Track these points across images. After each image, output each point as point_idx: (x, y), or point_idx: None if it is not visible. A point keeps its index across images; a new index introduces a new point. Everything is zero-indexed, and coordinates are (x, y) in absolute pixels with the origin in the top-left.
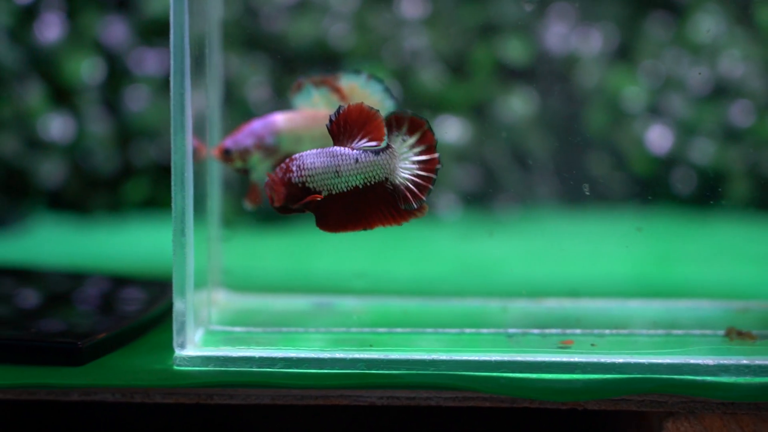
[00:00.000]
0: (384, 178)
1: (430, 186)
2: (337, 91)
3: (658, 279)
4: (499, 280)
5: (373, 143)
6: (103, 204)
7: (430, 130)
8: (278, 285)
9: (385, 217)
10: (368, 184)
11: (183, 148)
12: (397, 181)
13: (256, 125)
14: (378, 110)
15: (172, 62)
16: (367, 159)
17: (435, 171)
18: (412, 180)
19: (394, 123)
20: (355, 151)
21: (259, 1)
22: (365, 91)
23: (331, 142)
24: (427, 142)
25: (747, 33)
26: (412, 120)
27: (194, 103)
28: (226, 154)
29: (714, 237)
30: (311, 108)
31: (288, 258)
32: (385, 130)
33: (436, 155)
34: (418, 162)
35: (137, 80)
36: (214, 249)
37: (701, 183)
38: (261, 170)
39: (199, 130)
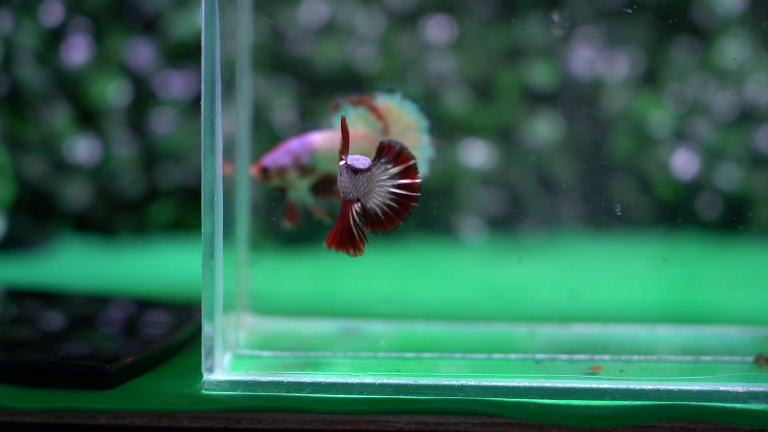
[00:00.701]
0: (356, 198)
1: (399, 220)
2: (374, 110)
3: (685, 305)
4: (526, 305)
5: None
6: (129, 227)
7: (415, 168)
8: (305, 309)
9: (342, 235)
10: (345, 198)
11: (213, 172)
12: (368, 205)
13: (294, 144)
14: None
15: (203, 86)
16: (347, 174)
17: (408, 208)
18: (383, 208)
19: (385, 150)
20: (342, 162)
21: (286, 25)
22: (401, 111)
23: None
24: (410, 177)
25: None
26: (399, 153)
27: (224, 126)
28: (264, 172)
29: (741, 263)
30: (352, 125)
31: (315, 282)
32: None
33: (414, 194)
34: (396, 194)
35: (163, 103)
36: (242, 273)
37: (727, 208)
38: (299, 189)
39: (228, 154)
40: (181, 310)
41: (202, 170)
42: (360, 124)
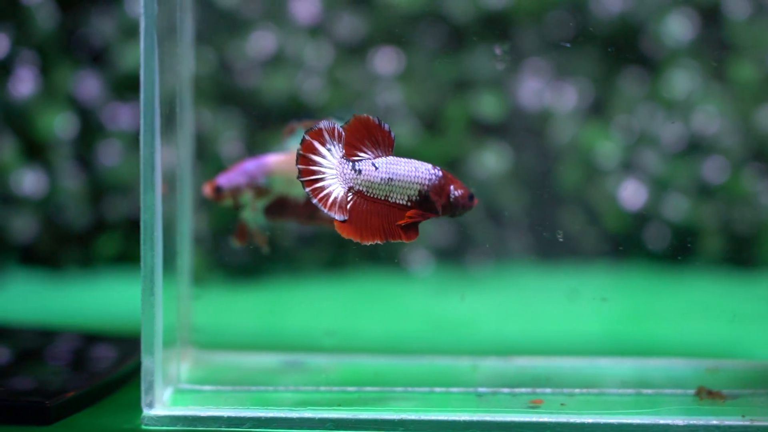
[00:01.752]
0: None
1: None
2: None
3: (630, 336)
4: (470, 338)
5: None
6: (76, 259)
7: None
8: (249, 342)
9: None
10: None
11: (153, 207)
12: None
13: (250, 165)
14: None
15: (142, 120)
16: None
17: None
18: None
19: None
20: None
21: (233, 57)
22: None
23: None
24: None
25: (721, 88)
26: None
27: (165, 159)
28: (218, 191)
29: (687, 294)
30: None
31: (259, 315)
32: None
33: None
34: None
35: (110, 135)
36: (184, 307)
37: (674, 239)
38: (253, 210)
39: (169, 188)
40: (127, 343)
41: (142, 205)
42: None
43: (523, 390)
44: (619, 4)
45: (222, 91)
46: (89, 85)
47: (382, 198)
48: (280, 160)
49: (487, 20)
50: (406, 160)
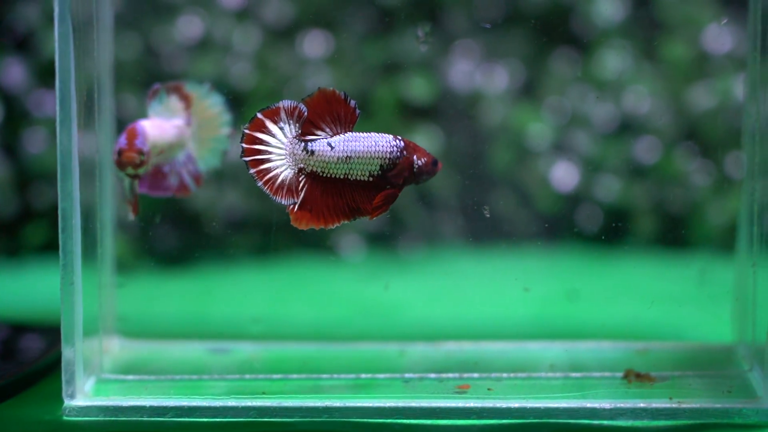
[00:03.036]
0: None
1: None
2: (185, 98)
3: (560, 320)
4: (399, 323)
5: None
6: (2, 248)
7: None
8: (175, 331)
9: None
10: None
11: (71, 195)
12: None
13: (140, 132)
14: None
15: (58, 108)
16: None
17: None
18: None
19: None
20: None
21: (160, 41)
22: (205, 102)
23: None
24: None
25: (652, 68)
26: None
27: (84, 146)
28: (142, 156)
29: (618, 275)
30: (166, 113)
31: (186, 303)
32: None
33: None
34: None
35: (36, 122)
36: (107, 295)
37: (607, 220)
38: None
39: (89, 175)
40: (54, 333)
41: (59, 193)
42: (165, 112)
43: (450, 375)
44: None
45: (148, 76)
46: (14, 72)
47: (341, 177)
48: (152, 124)
49: (416, 2)
50: (365, 135)
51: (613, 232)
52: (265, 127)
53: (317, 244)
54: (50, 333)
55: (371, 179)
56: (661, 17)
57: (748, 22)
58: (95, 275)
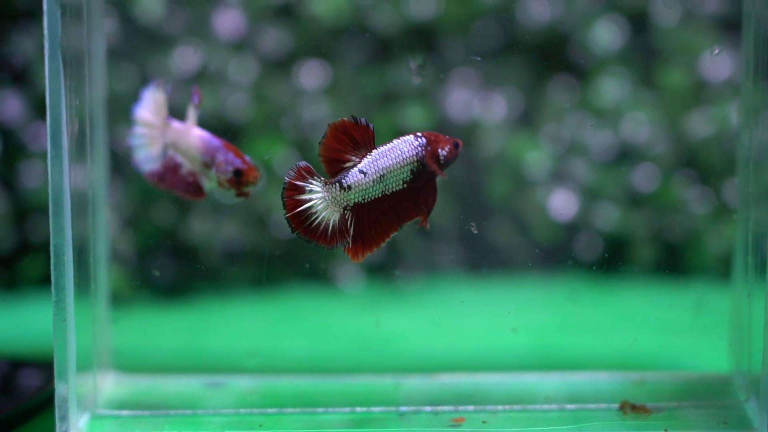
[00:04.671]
0: None
1: None
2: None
3: (558, 350)
4: (395, 355)
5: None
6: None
7: None
8: (171, 365)
9: None
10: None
11: (63, 231)
12: None
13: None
14: None
15: (49, 144)
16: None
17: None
18: None
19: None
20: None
21: (156, 73)
22: None
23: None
24: None
25: (650, 95)
26: None
27: (76, 182)
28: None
29: (616, 304)
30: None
31: (182, 336)
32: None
33: None
34: None
35: (33, 156)
36: (101, 330)
37: (606, 249)
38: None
39: (82, 209)
40: (51, 368)
41: (51, 229)
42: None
43: (445, 408)
44: (547, 12)
45: None
46: (11, 105)
47: (380, 195)
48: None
49: (413, 32)
50: (388, 146)
51: (611, 260)
52: (297, 186)
53: (314, 275)
54: (47, 368)
55: (405, 185)
56: (658, 45)
57: (742, 49)
58: (89, 310)
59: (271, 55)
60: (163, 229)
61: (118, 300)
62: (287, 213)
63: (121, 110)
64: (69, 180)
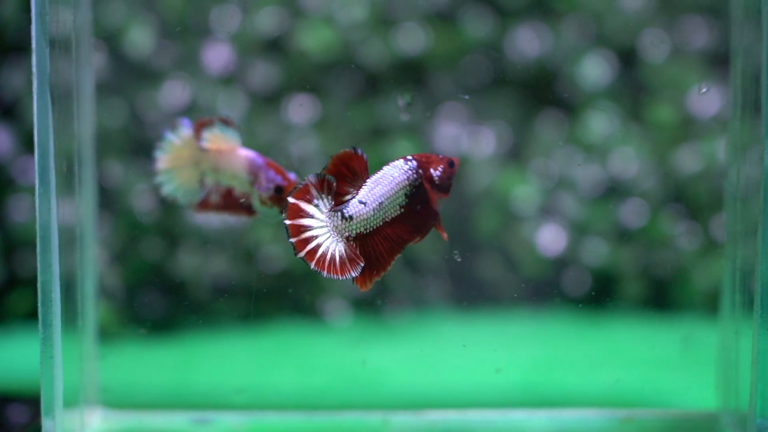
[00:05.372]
0: None
1: None
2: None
3: (545, 386)
4: (383, 391)
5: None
6: None
7: None
8: (158, 401)
9: None
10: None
11: (50, 268)
12: None
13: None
14: None
15: (37, 181)
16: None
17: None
18: None
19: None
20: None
21: (145, 108)
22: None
23: None
24: None
25: (639, 130)
26: None
27: (64, 217)
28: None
29: (605, 340)
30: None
31: (170, 372)
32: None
33: None
34: None
35: (21, 190)
36: (89, 366)
37: (594, 284)
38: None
39: (70, 245)
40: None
41: (38, 266)
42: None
43: None
44: (536, 47)
45: (133, 142)
46: (0, 140)
47: (381, 223)
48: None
49: (402, 66)
50: (380, 174)
51: (599, 296)
52: (302, 210)
53: (302, 310)
54: (34, 403)
55: (402, 210)
56: (646, 80)
57: (730, 85)
58: (76, 346)
59: (259, 89)
60: (151, 263)
61: (105, 335)
62: (290, 237)
63: (110, 145)
64: (57, 217)
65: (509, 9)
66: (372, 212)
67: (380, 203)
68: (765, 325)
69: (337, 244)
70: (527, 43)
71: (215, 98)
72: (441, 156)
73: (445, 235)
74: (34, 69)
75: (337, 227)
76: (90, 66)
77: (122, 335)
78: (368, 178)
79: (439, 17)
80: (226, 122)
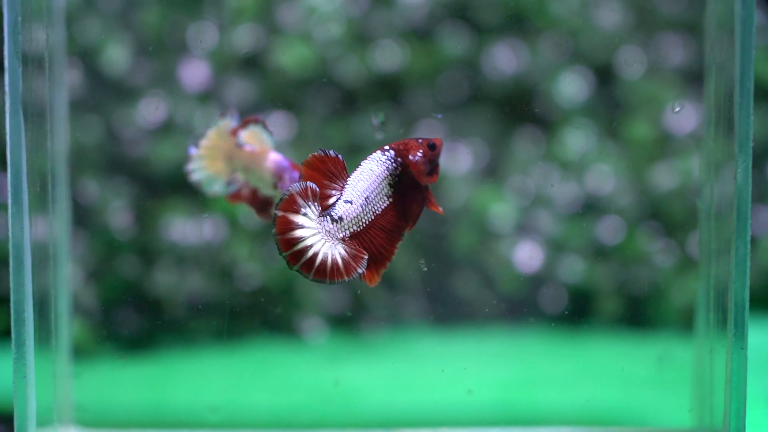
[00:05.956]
0: None
1: None
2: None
3: (521, 404)
4: (359, 409)
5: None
6: None
7: None
8: (133, 420)
9: None
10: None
11: (23, 287)
12: None
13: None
14: None
15: (10, 202)
16: None
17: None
18: None
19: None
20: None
21: (121, 126)
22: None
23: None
24: None
25: (615, 147)
26: None
27: (37, 235)
28: None
29: (581, 358)
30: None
31: (145, 390)
32: None
33: None
34: None
35: None
36: (63, 385)
37: (570, 301)
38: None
39: (43, 264)
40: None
41: (11, 285)
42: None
43: None
44: (512, 65)
45: (109, 160)
46: None
47: (372, 217)
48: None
49: (378, 83)
50: (360, 170)
51: (575, 313)
52: (291, 222)
53: (278, 327)
54: (8, 422)
55: (391, 199)
56: (623, 97)
57: (704, 102)
58: (50, 365)
59: (236, 106)
60: (126, 281)
61: (80, 353)
62: (283, 252)
63: (86, 162)
64: (30, 236)
65: (486, 26)
66: (360, 209)
67: (366, 198)
68: (738, 344)
69: (334, 248)
70: (504, 59)
71: (192, 115)
72: (420, 140)
73: (441, 209)
74: (6, 89)
75: (329, 231)
76: (64, 84)
77: (97, 353)
78: (348, 176)
79: (415, 34)
80: (265, 125)
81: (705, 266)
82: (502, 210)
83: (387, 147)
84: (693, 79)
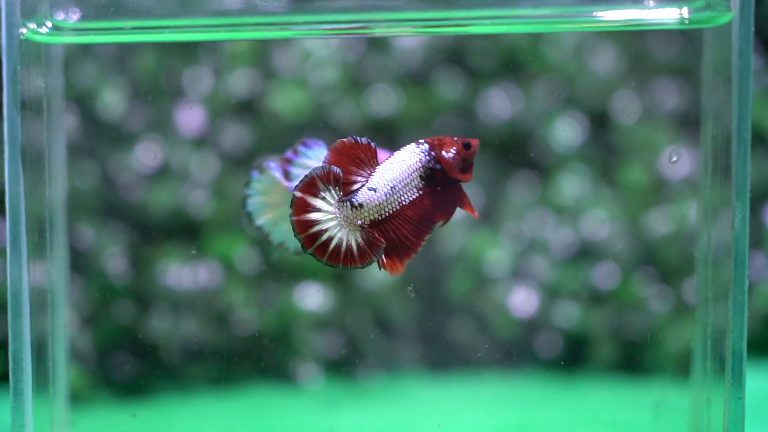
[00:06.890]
0: None
1: None
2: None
3: None
4: None
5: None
6: None
7: None
8: None
9: None
10: None
11: (21, 335)
12: None
13: None
14: None
15: (9, 250)
16: None
17: None
18: None
19: None
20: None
21: (117, 171)
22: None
23: None
24: None
25: (611, 192)
26: None
27: (35, 281)
28: None
29: (576, 403)
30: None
31: None
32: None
33: None
34: None
35: None
36: None
37: (566, 347)
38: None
39: (41, 310)
40: None
41: (10, 333)
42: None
43: None
44: (507, 109)
45: (105, 205)
46: None
47: (398, 207)
48: None
49: (374, 128)
50: (390, 160)
51: (571, 358)
52: (309, 204)
53: (275, 373)
54: None
55: (420, 192)
56: (618, 142)
57: (700, 147)
58: (48, 413)
59: (231, 151)
60: (122, 326)
61: (77, 399)
62: (298, 234)
63: (82, 207)
64: (28, 284)
65: (481, 71)
66: (384, 197)
67: (392, 187)
68: (736, 394)
69: (351, 234)
70: (499, 104)
71: (187, 160)
72: (455, 138)
73: (476, 214)
74: (6, 137)
75: (347, 217)
76: (61, 129)
77: (93, 399)
78: (377, 164)
79: (411, 79)
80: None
81: (702, 314)
82: (497, 255)
83: (422, 140)
84: (688, 124)
